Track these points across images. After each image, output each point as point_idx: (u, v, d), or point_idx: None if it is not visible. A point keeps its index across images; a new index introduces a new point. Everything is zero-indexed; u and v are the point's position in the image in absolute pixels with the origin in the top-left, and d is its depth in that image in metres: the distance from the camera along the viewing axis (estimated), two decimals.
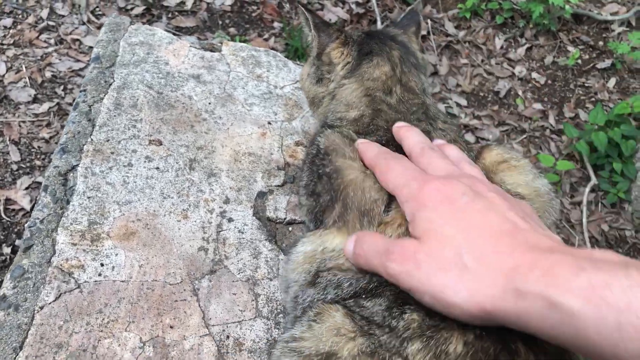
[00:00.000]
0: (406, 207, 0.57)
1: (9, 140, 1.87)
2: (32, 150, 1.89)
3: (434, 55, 2.64)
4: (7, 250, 1.62)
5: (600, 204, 2.27)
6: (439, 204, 0.53)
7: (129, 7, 2.46)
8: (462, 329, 0.50)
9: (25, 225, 0.73)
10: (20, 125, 1.93)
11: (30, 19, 2.28)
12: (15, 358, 0.61)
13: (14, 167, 1.83)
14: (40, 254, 0.71)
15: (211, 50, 1.10)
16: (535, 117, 2.51)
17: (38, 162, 1.86)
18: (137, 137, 0.88)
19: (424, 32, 2.68)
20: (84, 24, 2.34)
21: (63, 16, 2.35)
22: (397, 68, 0.83)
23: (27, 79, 2.07)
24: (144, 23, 1.09)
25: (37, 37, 2.23)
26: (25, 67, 2.10)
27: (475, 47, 2.74)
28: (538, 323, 0.43)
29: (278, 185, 0.89)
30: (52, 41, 2.24)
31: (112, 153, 0.85)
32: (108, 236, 0.75)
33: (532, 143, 2.42)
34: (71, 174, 0.81)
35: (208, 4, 2.57)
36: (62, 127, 1.91)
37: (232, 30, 2.52)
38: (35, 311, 0.65)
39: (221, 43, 1.13)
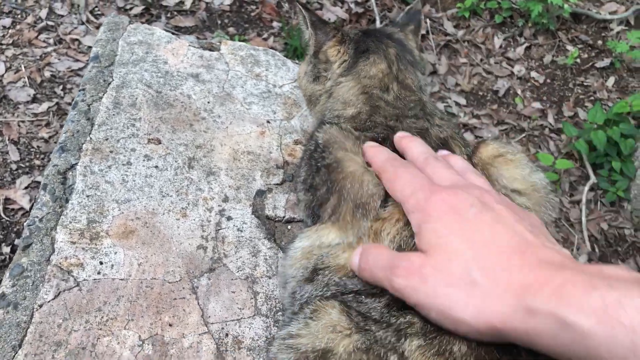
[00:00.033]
0: (412, 217, 0.56)
1: (8, 139, 1.88)
2: (32, 149, 1.89)
3: (433, 54, 2.65)
4: (6, 249, 1.62)
5: (599, 202, 2.27)
6: (446, 215, 0.52)
7: (128, 6, 2.46)
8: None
9: (25, 223, 0.74)
10: (19, 125, 1.93)
11: (29, 19, 2.28)
12: (14, 356, 0.62)
13: (14, 166, 1.83)
14: (40, 252, 0.71)
15: (210, 50, 1.10)
16: (535, 116, 2.51)
17: (37, 162, 1.86)
18: (136, 136, 0.88)
19: (423, 32, 2.68)
20: (83, 23, 2.34)
21: (62, 16, 2.35)
22: (393, 65, 0.83)
23: (26, 79, 2.07)
24: (142, 23, 1.09)
25: (36, 37, 2.23)
26: (25, 67, 2.10)
27: (474, 47, 2.74)
28: (548, 342, 0.42)
29: (277, 184, 0.89)
30: (51, 41, 2.24)
31: (111, 152, 0.85)
32: (107, 234, 0.75)
33: (531, 142, 2.43)
34: (70, 173, 0.81)
35: (207, 3, 2.57)
36: (62, 126, 1.91)
37: (231, 29, 2.52)
38: (35, 309, 0.66)
39: (220, 42, 1.13)
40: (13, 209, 1.72)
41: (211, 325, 0.69)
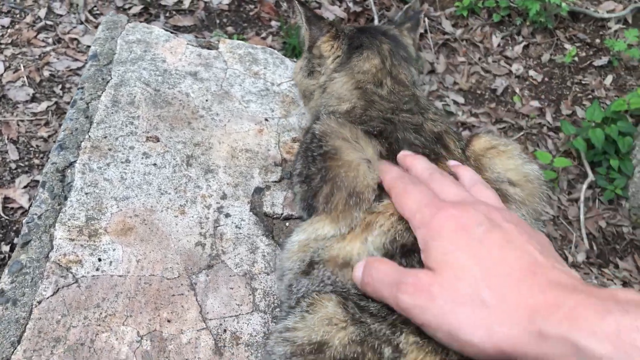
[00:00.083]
0: (419, 233, 0.54)
1: (8, 139, 1.88)
2: (31, 149, 1.89)
3: (432, 53, 2.65)
4: (5, 248, 1.62)
5: (597, 200, 2.28)
6: (454, 233, 0.51)
7: (126, 6, 2.46)
8: None
9: (24, 221, 0.74)
10: (18, 124, 1.93)
11: (28, 19, 2.28)
12: (13, 352, 0.62)
13: (13, 165, 1.83)
14: (38, 249, 0.71)
15: (208, 48, 1.11)
16: (533, 114, 2.52)
17: (36, 161, 1.86)
18: (134, 134, 0.88)
19: (421, 30, 2.69)
20: (81, 23, 2.34)
21: (61, 15, 2.35)
22: (387, 61, 0.84)
23: (25, 78, 2.07)
24: (141, 22, 1.09)
25: (35, 37, 2.23)
26: (24, 67, 2.10)
27: (472, 45, 2.75)
28: None
29: (275, 181, 0.89)
30: (50, 40, 2.24)
31: (110, 150, 0.85)
32: (105, 232, 0.75)
33: (529, 140, 2.43)
34: (69, 171, 0.81)
35: (206, 3, 2.57)
36: (61, 125, 1.92)
37: (229, 29, 2.52)
38: (33, 306, 0.66)
39: (218, 41, 1.14)
40: (12, 208, 1.72)
41: (209, 321, 0.70)
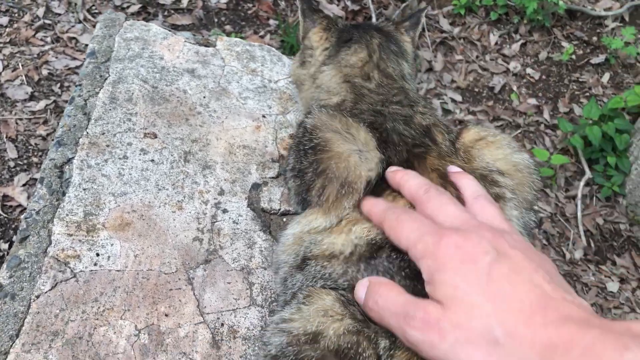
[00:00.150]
0: (422, 264, 0.52)
1: (6, 137, 1.88)
2: (29, 147, 1.90)
3: (429, 51, 2.66)
4: (4, 246, 1.63)
5: (594, 197, 2.29)
6: (461, 265, 0.49)
7: (125, 5, 2.47)
8: None
9: (22, 217, 0.75)
10: (17, 123, 1.94)
11: (27, 18, 2.28)
12: (12, 345, 0.62)
13: (11, 164, 1.83)
14: (37, 244, 0.72)
15: (206, 45, 1.11)
16: (530, 112, 2.52)
17: (35, 159, 1.87)
18: (132, 130, 0.89)
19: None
20: (80, 22, 2.35)
21: (59, 15, 2.35)
22: (374, 54, 0.84)
23: (24, 77, 2.07)
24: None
25: (34, 36, 2.24)
26: (22, 65, 2.11)
27: (470, 44, 2.75)
28: None
29: (272, 177, 0.90)
30: (48, 39, 2.25)
31: (108, 146, 0.86)
32: (103, 227, 0.76)
33: (526, 138, 2.44)
34: (67, 167, 0.82)
35: (204, 1, 2.58)
36: (59, 123, 1.92)
37: (227, 27, 2.53)
38: (32, 300, 0.66)
39: (216, 38, 1.14)
40: (11, 206, 1.73)
41: (207, 315, 0.70)
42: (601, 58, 2.73)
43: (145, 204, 0.80)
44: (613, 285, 2.04)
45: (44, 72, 2.12)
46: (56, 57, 2.18)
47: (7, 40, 2.19)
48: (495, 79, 2.62)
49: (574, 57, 2.75)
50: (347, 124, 0.68)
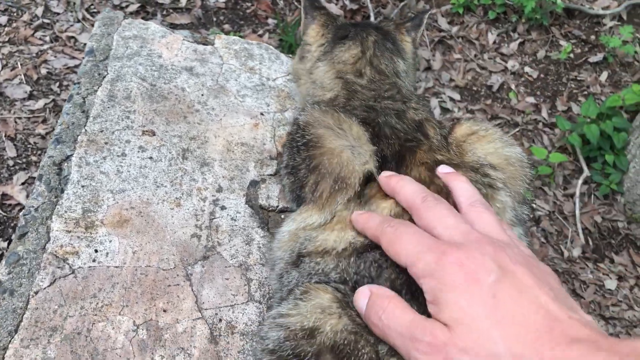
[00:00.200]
0: (424, 283, 0.51)
1: (5, 136, 1.89)
2: (28, 146, 1.90)
3: (428, 50, 2.66)
4: (3, 244, 1.63)
5: (592, 195, 2.29)
6: (465, 285, 0.48)
7: (123, 4, 2.47)
8: None
9: (21, 213, 0.75)
10: (16, 122, 1.94)
11: (25, 17, 2.29)
12: (10, 341, 0.63)
13: (10, 162, 1.84)
14: (35, 240, 0.72)
15: (204, 44, 1.11)
16: (528, 110, 2.53)
17: (34, 158, 1.87)
18: (130, 128, 0.89)
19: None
20: (79, 21, 2.35)
21: (58, 14, 2.35)
22: (368, 51, 0.85)
23: (23, 76, 2.07)
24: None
25: (33, 35, 2.24)
26: (21, 65, 2.11)
27: (468, 42, 2.76)
28: None
29: (270, 175, 0.90)
30: (47, 38, 2.25)
31: (106, 143, 0.86)
32: (102, 223, 0.76)
33: (525, 136, 2.44)
34: (65, 164, 0.82)
35: (202, 0, 2.58)
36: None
37: (226, 26, 2.53)
38: (30, 296, 0.67)
39: (214, 37, 1.15)
40: (10, 205, 1.73)
41: (205, 311, 0.71)
42: (599, 57, 2.74)
43: (143, 200, 0.80)
44: (611, 283, 2.04)
45: (43, 71, 2.12)
46: (55, 56, 2.18)
47: (6, 39, 2.19)
48: (493, 78, 2.63)
49: (572, 55, 2.75)
50: (339, 119, 0.69)
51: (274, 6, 2.66)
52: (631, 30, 2.62)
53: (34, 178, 1.78)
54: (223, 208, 0.83)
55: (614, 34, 2.80)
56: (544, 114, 2.52)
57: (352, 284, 0.58)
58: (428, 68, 2.61)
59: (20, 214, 0.75)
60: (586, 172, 2.29)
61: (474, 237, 0.52)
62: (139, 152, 0.86)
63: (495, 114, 2.50)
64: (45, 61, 2.16)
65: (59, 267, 0.70)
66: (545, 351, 0.43)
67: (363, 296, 0.54)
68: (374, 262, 0.59)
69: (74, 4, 2.39)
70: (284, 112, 1.02)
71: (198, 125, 0.93)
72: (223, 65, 1.07)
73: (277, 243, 0.68)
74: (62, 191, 0.78)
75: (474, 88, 2.60)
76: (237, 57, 1.10)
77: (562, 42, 2.79)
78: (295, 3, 2.66)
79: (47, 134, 1.94)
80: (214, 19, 2.54)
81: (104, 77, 0.96)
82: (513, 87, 2.61)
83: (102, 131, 0.87)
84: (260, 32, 2.54)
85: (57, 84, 2.10)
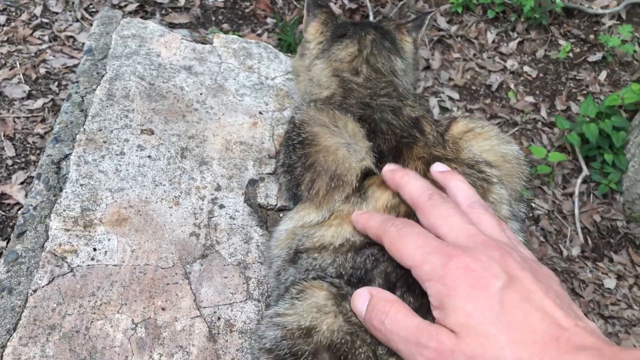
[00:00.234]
0: (430, 287, 0.50)
1: (4, 135, 1.89)
2: (27, 145, 1.90)
3: (427, 49, 2.66)
4: (2, 243, 1.63)
5: (592, 195, 2.29)
6: (472, 290, 0.47)
7: (122, 3, 2.47)
8: None
9: (19, 212, 0.75)
10: (14, 121, 1.94)
11: (24, 16, 2.28)
12: (9, 339, 0.63)
13: (9, 162, 1.84)
14: (34, 239, 0.72)
15: (202, 43, 1.11)
16: (527, 109, 2.53)
17: (33, 157, 1.87)
18: (129, 127, 0.89)
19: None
20: (77, 21, 2.35)
21: (57, 13, 2.35)
22: (365, 49, 0.86)
23: (22, 76, 2.07)
24: None
25: (31, 34, 2.24)
26: (19, 64, 2.11)
27: (467, 42, 2.76)
28: None
29: (269, 173, 0.90)
30: (46, 38, 2.25)
31: (105, 142, 0.86)
32: (100, 222, 0.76)
33: (524, 135, 2.45)
34: (64, 163, 0.82)
35: (201, 0, 2.58)
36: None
37: (225, 26, 2.53)
38: (29, 294, 0.67)
39: (213, 36, 1.15)
40: (9, 204, 1.73)
41: (203, 309, 0.71)
42: (598, 56, 2.74)
43: (142, 199, 0.80)
44: (610, 282, 2.05)
45: (42, 70, 2.12)
46: (54, 56, 2.18)
47: (5, 38, 2.19)
48: (492, 77, 2.63)
49: (571, 55, 2.75)
50: (334, 117, 0.69)
51: (272, 5, 2.66)
52: (630, 30, 2.63)
53: (33, 177, 1.79)
54: (222, 207, 0.83)
55: (613, 33, 2.80)
56: (543, 113, 2.52)
57: (347, 277, 0.58)
58: (427, 67, 2.61)
59: (19, 212, 0.75)
60: (585, 171, 2.29)
61: (480, 240, 0.52)
62: (137, 150, 0.86)
63: (495, 113, 2.50)
64: (44, 60, 2.16)
65: (57, 266, 0.70)
66: (552, 359, 0.43)
67: (362, 299, 0.53)
68: (371, 255, 0.59)
69: (73, 3, 2.39)
70: (282, 111, 1.02)
71: (197, 124, 0.93)
72: (222, 64, 1.07)
73: (274, 241, 0.68)
74: (61, 190, 0.78)
75: (473, 87, 2.60)
76: (236, 56, 1.10)
77: (561, 42, 2.80)
78: (294, 2, 2.67)
79: (45, 133, 1.94)
80: (213, 18, 2.54)
81: (103, 76, 0.96)
82: (512, 86, 2.61)
83: (100, 130, 0.87)
84: (259, 31, 2.54)
85: (56, 83, 2.10)
